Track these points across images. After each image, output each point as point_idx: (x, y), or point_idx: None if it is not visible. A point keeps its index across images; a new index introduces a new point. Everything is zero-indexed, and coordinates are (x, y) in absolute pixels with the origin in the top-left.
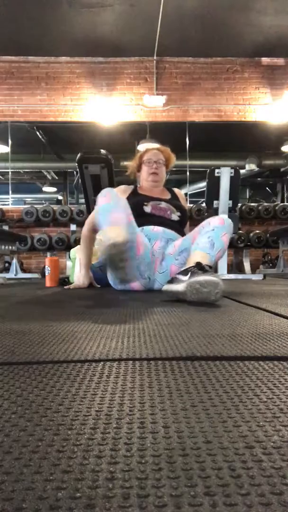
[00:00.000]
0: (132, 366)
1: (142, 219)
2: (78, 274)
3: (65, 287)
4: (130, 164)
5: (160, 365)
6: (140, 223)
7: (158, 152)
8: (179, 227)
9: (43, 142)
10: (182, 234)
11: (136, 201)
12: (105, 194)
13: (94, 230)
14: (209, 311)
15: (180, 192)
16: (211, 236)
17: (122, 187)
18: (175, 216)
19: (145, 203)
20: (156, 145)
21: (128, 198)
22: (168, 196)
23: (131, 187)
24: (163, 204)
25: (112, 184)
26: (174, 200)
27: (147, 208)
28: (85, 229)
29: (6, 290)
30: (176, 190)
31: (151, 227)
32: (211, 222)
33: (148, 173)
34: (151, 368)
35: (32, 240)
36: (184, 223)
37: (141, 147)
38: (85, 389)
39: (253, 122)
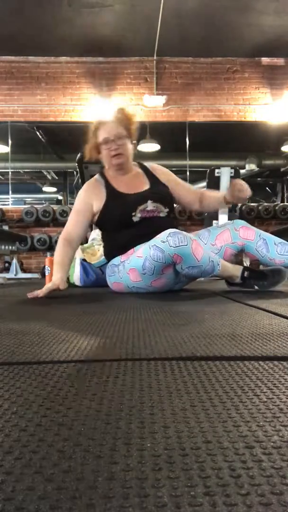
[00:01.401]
0: (132, 366)
1: (131, 229)
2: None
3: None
4: (86, 147)
5: (160, 365)
6: (129, 235)
7: (115, 124)
8: (170, 220)
9: (43, 142)
10: (172, 223)
11: (123, 212)
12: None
13: (70, 243)
14: (209, 311)
15: (157, 168)
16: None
17: (91, 183)
18: (163, 213)
19: (133, 214)
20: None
21: (107, 203)
22: (146, 183)
23: (101, 180)
24: (150, 206)
25: None
26: (156, 188)
27: (136, 218)
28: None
29: (6, 290)
30: (152, 167)
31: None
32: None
33: (109, 157)
34: (151, 368)
35: (32, 240)
36: (173, 209)
37: (140, 147)
38: (85, 389)
39: (253, 122)
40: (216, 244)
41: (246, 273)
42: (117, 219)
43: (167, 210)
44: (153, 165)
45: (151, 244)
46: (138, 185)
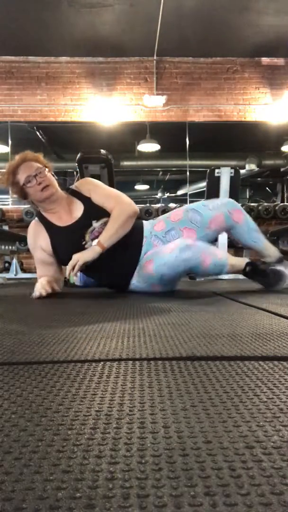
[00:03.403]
0: (132, 366)
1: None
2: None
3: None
4: (14, 192)
5: (160, 365)
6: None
7: (29, 163)
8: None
9: (43, 142)
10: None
11: (71, 245)
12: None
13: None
14: (209, 311)
15: (80, 184)
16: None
17: (32, 228)
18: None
19: (83, 242)
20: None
21: (53, 243)
22: (80, 204)
23: (40, 222)
24: (97, 226)
25: (112, 184)
26: (88, 204)
27: (89, 244)
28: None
29: (6, 290)
30: (76, 186)
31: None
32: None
33: (38, 192)
34: (151, 368)
35: None
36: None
37: (140, 147)
38: (85, 389)
39: (253, 122)
40: (210, 228)
41: (247, 268)
42: (69, 253)
43: (104, 220)
44: (77, 184)
45: (161, 263)
46: (74, 211)
